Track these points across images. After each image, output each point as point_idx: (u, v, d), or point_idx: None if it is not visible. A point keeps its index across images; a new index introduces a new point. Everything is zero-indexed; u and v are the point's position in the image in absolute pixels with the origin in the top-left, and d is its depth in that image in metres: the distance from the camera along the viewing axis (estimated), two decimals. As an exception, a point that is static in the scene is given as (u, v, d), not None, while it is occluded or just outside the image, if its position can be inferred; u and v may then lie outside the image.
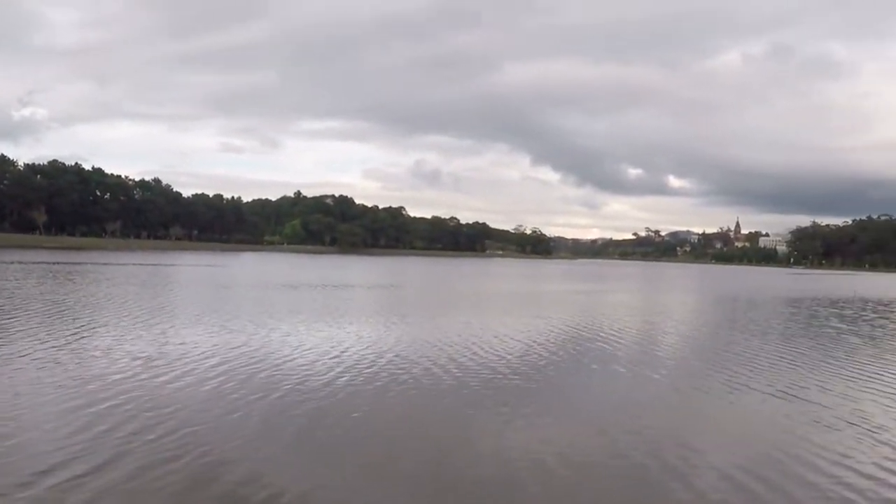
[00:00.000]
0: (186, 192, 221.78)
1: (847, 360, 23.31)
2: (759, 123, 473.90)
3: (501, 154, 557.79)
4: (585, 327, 30.77)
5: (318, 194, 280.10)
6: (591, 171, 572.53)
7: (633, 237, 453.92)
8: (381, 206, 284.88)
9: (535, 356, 21.85)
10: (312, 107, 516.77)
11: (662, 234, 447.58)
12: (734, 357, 23.04)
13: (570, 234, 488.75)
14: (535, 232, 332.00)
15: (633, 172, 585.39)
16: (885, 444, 12.74)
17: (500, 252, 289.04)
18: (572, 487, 10.20)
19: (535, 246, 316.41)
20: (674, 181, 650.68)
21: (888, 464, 11.51)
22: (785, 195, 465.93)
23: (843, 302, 56.43)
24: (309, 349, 20.89)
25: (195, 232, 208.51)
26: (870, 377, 19.96)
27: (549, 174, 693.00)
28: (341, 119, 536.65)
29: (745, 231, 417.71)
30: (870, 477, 10.84)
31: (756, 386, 18.09)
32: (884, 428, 13.90)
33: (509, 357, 21.27)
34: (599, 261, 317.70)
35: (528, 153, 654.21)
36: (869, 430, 13.68)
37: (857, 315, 43.61)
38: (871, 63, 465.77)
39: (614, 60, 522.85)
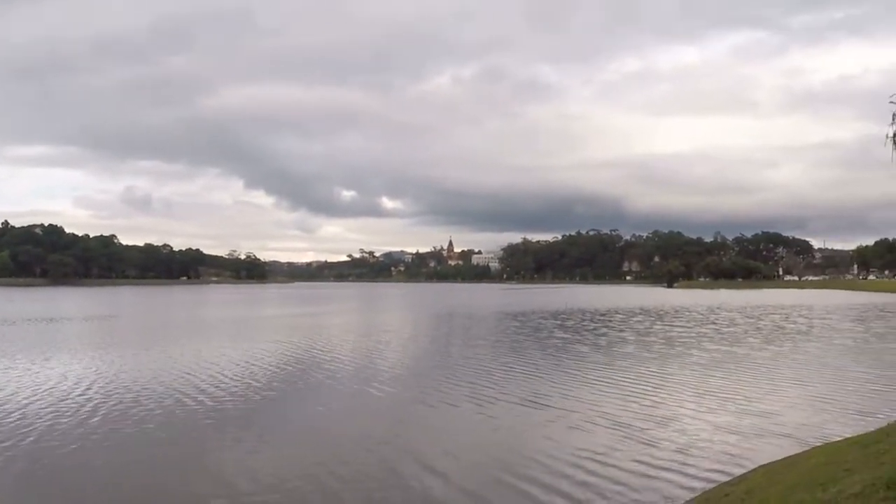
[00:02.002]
0: None
1: (579, 367, 25.94)
2: (471, 145, 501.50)
3: (214, 178, 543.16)
4: (317, 350, 31.52)
5: (26, 224, 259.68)
6: (306, 194, 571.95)
7: (349, 259, 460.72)
8: (92, 235, 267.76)
9: (274, 380, 22.59)
10: (21, 131, 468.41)
11: (377, 254, 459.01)
12: (472, 371, 24.77)
13: (285, 257, 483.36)
14: (249, 257, 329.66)
15: (347, 195, 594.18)
16: (629, 438, 14.57)
17: (216, 278, 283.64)
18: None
19: (251, 271, 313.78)
20: (387, 202, 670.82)
21: (630, 453, 13.25)
22: (497, 213, 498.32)
23: (563, 314, 61.67)
24: (50, 388, 20.56)
25: None
26: (603, 381, 22.47)
27: (262, 198, 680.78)
28: (51, 144, 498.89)
29: (458, 249, 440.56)
30: (615, 467, 12.40)
31: (499, 396, 19.72)
32: (624, 424, 15.87)
33: (247, 383, 21.91)
34: (316, 283, 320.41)
35: (241, 177, 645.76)
36: (612, 427, 15.57)
37: (579, 325, 48.11)
38: (579, 87, 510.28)
39: (330, 83, 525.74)
